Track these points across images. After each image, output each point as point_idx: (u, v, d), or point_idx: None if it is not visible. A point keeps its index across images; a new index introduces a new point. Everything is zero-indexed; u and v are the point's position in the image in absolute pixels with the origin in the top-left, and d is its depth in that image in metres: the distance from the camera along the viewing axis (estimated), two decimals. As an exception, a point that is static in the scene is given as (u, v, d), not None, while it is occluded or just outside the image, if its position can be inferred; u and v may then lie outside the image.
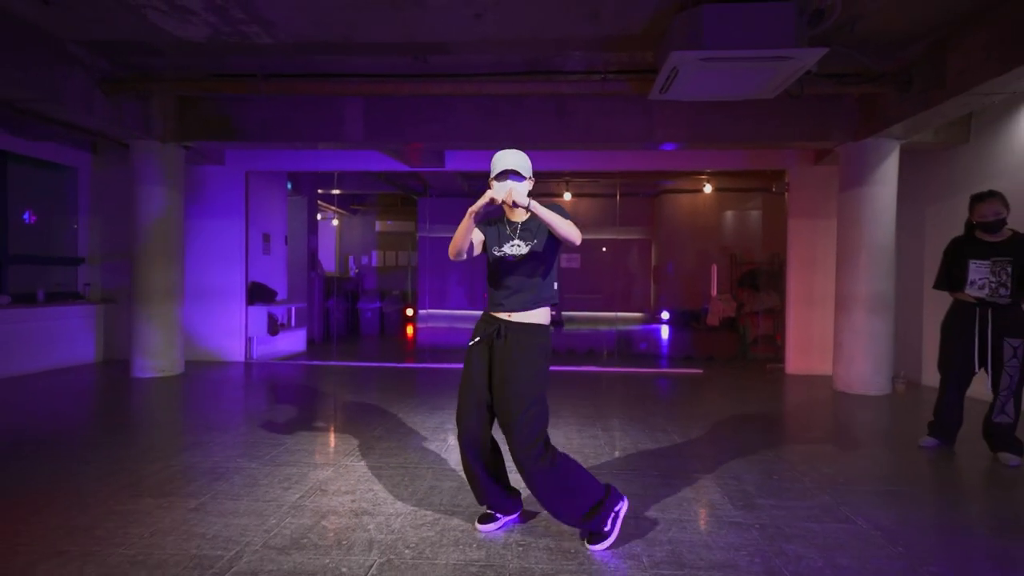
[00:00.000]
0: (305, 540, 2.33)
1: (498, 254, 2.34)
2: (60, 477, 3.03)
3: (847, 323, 5.65)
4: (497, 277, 2.36)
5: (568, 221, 2.23)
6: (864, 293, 5.54)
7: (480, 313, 2.44)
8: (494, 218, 2.40)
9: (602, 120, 5.80)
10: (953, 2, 3.92)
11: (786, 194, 6.91)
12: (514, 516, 2.50)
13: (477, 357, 2.33)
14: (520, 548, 2.28)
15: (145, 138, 5.90)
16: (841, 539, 2.38)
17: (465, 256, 2.28)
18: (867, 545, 2.34)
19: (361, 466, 3.25)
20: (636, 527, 2.47)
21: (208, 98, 5.99)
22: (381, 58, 5.05)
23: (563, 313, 10.87)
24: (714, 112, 5.68)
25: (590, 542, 2.28)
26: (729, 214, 9.18)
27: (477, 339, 2.35)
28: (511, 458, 2.25)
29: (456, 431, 2.34)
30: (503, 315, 2.31)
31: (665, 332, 9.95)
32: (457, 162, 7.15)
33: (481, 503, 2.46)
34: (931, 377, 5.94)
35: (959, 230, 3.81)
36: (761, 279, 8.44)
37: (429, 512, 2.62)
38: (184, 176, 6.35)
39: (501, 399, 2.25)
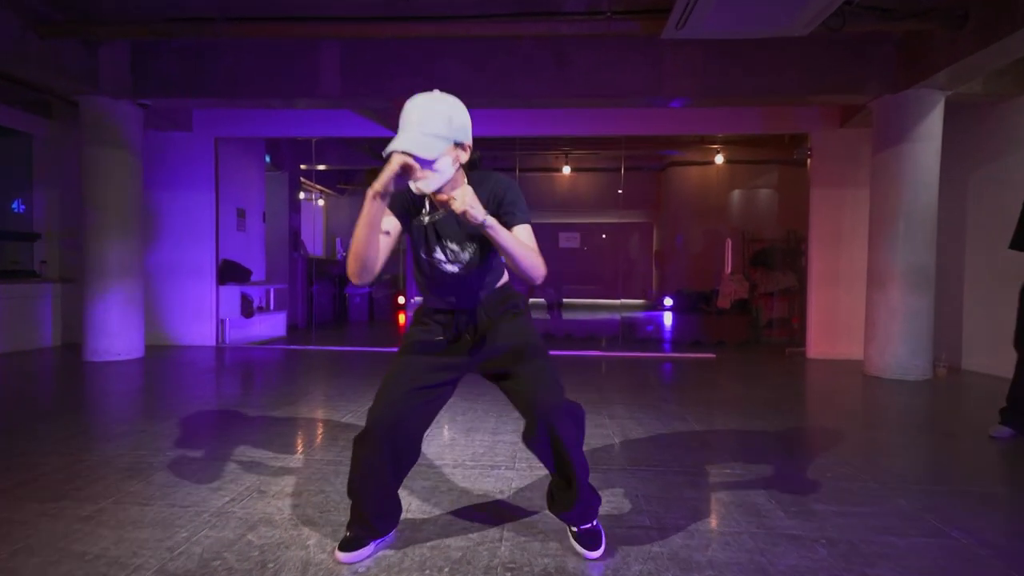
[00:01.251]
0: (218, 562, 1.72)
1: (425, 257, 1.71)
2: (-63, 475, 2.42)
3: (882, 300, 5.04)
4: (434, 281, 1.75)
5: (533, 248, 1.57)
6: (902, 266, 4.93)
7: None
8: (402, 193, 1.62)
9: (606, 71, 5.16)
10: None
11: (808, 161, 6.29)
12: (388, 536, 1.84)
13: (426, 341, 1.75)
14: (509, 573, 1.68)
15: (94, 94, 5.25)
16: (940, 560, 1.78)
17: (378, 270, 1.57)
18: (981, 570, 1.74)
19: (317, 460, 2.65)
20: (663, 542, 1.87)
21: (167, 49, 5.34)
22: (356, -5, 4.42)
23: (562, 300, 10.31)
24: (729, 62, 5.04)
25: (587, 545, 1.77)
26: (741, 189, 8.56)
27: (428, 327, 1.77)
28: (538, 416, 1.63)
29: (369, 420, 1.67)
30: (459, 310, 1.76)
31: (668, 319, 9.35)
32: (447, 126, 6.50)
33: (360, 519, 1.74)
34: (973, 361, 5.36)
35: (1010, 195, 3.21)
36: (776, 257, 7.84)
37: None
38: (142, 138, 5.70)
39: (513, 369, 1.70)
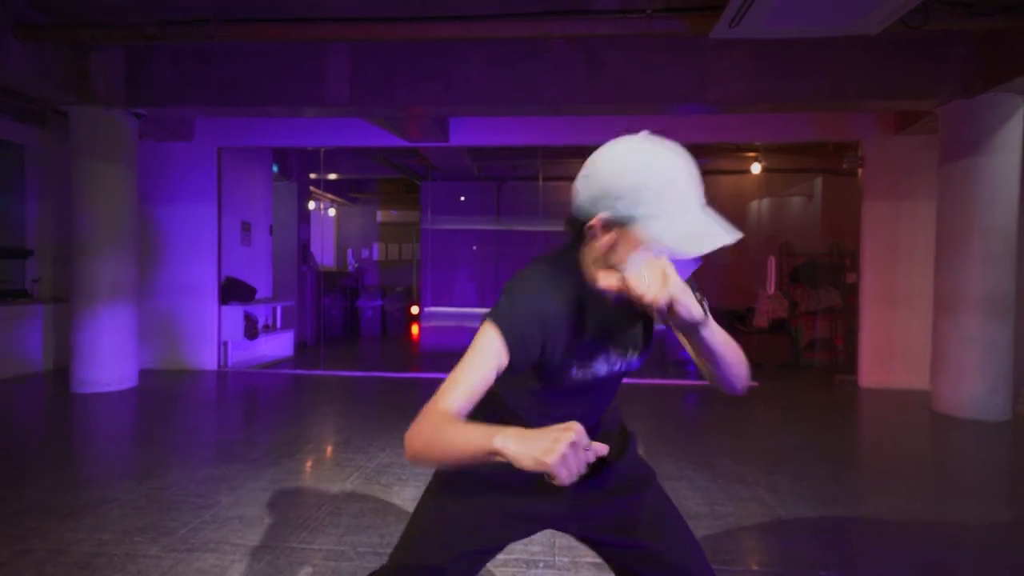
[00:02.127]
0: None
1: (577, 377, 1.06)
2: None
3: (954, 329, 4.48)
4: (562, 401, 1.10)
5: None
6: (977, 291, 4.38)
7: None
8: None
9: (641, 75, 4.66)
10: None
11: (860, 171, 5.74)
12: None
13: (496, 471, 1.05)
14: None
15: (84, 103, 4.85)
16: None
17: None
18: None
19: (315, 551, 2.18)
20: None
21: (163, 56, 4.93)
22: (367, -8, 3.97)
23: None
24: (781, 64, 4.52)
25: None
26: (780, 198, 8.01)
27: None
28: None
29: None
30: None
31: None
32: (463, 134, 6.05)
33: None
34: (1055, 396, 4.77)
35: None
36: (818, 274, 7.28)
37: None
38: (136, 150, 5.29)
39: (642, 540, 1.13)
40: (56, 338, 6.12)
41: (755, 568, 2.11)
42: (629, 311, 1.00)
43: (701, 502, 2.71)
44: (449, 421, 0.91)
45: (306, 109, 5.07)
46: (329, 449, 3.47)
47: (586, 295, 1.02)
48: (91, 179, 4.97)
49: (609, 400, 1.17)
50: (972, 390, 4.38)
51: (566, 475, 0.77)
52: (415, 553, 1.10)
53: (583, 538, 1.20)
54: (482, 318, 0.99)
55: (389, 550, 1.83)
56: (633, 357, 1.11)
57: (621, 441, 1.19)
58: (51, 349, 6.10)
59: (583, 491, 1.06)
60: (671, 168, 0.96)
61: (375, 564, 2.03)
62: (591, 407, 1.13)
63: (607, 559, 1.19)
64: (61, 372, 5.87)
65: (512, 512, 1.12)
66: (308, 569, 2.05)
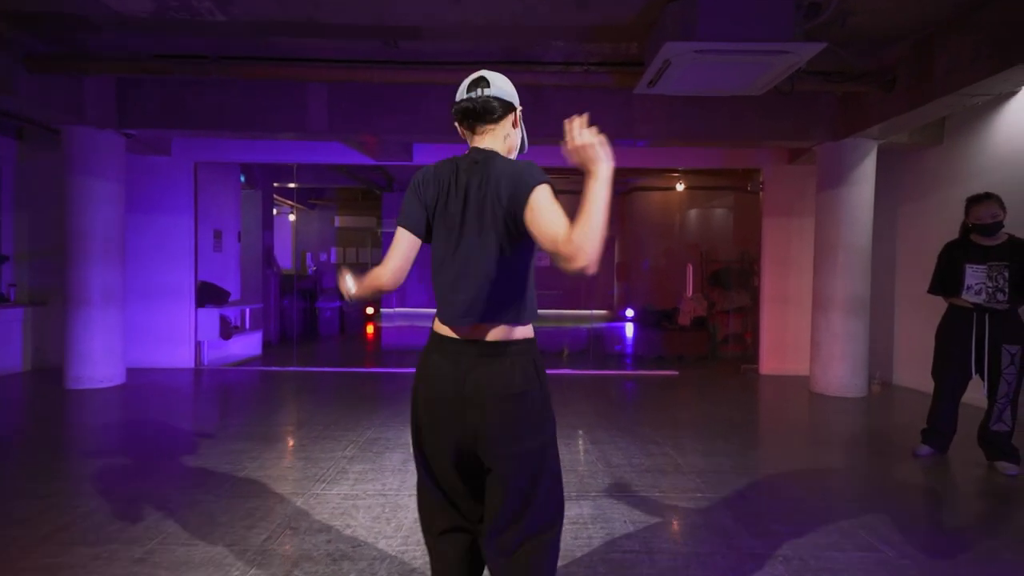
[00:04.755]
0: (277, 597, 2.00)
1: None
2: (-24, 520, 2.58)
3: (824, 324, 5.60)
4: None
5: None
6: (841, 294, 5.51)
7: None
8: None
9: (579, 113, 5.55)
10: (943, 1, 3.84)
11: (760, 193, 6.85)
12: None
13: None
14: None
15: (78, 124, 5.31)
16: (872, 571, 2.21)
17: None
18: (900, 578, 2.18)
19: (334, 495, 2.91)
20: (652, 564, 2.24)
21: (152, 80, 5.44)
22: (348, 42, 4.67)
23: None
24: (694, 109, 5.52)
25: None
26: (700, 212, 9.14)
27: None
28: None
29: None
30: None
31: (630, 330, 9.86)
32: (426, 156, 6.79)
33: None
34: (904, 378, 5.99)
35: (932, 231, 3.77)
36: (731, 277, 8.42)
37: (419, 552, 2.32)
38: (124, 166, 5.76)
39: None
40: (34, 340, 6.46)
41: (656, 494, 2.99)
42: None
43: (623, 457, 3.59)
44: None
45: (287, 135, 5.69)
46: (321, 428, 4.16)
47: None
48: (84, 193, 5.42)
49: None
50: (838, 374, 5.51)
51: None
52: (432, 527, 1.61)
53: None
54: None
55: (392, 495, 2.63)
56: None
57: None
58: (30, 350, 6.44)
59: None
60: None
61: (384, 505, 2.79)
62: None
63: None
64: (42, 371, 6.24)
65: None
66: (332, 504, 2.78)
